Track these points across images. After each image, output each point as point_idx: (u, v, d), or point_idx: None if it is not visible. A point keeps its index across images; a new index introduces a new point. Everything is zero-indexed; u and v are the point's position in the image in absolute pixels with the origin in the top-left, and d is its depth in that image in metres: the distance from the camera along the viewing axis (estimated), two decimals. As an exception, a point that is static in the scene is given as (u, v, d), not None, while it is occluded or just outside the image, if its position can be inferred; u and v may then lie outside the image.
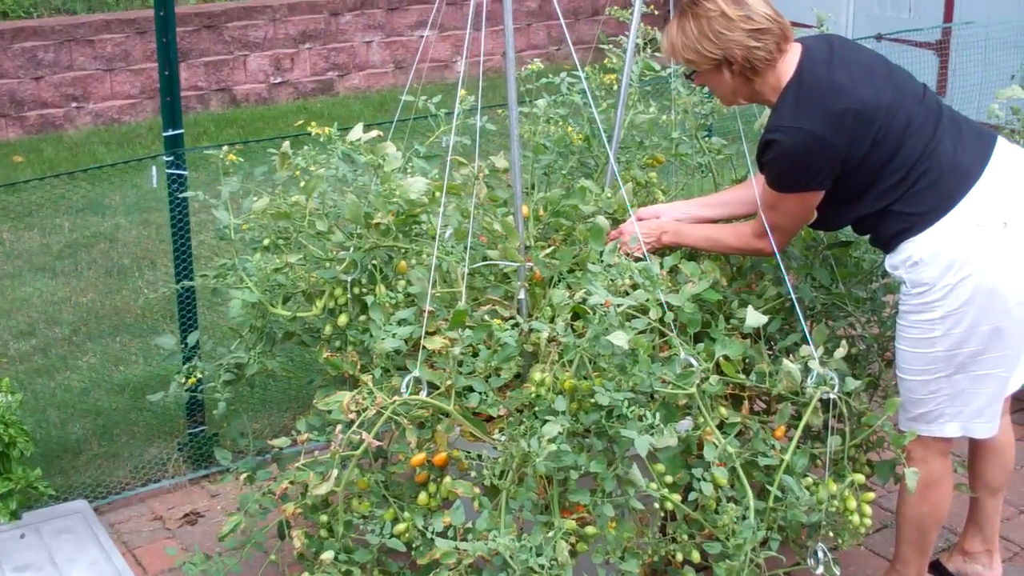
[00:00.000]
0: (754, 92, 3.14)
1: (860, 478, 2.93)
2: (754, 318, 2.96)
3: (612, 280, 2.88)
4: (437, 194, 3.22)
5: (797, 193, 3.08)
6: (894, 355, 3.20)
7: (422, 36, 10.23)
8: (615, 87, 3.84)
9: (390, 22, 10.11)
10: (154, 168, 4.12)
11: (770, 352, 3.30)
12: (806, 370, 2.90)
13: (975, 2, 8.44)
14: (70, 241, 6.33)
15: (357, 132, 3.29)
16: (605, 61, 3.97)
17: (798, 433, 2.89)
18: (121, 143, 8.28)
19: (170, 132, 3.97)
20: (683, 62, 3.16)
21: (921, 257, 3.02)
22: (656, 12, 3.88)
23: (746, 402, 3.14)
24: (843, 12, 9.39)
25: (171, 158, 3.97)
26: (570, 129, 3.83)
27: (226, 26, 9.29)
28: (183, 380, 3.43)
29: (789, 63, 3.08)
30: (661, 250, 3.33)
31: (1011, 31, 6.82)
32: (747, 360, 3.12)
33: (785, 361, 2.91)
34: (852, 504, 2.92)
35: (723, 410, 3.00)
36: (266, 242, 3.35)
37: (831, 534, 2.96)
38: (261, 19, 9.46)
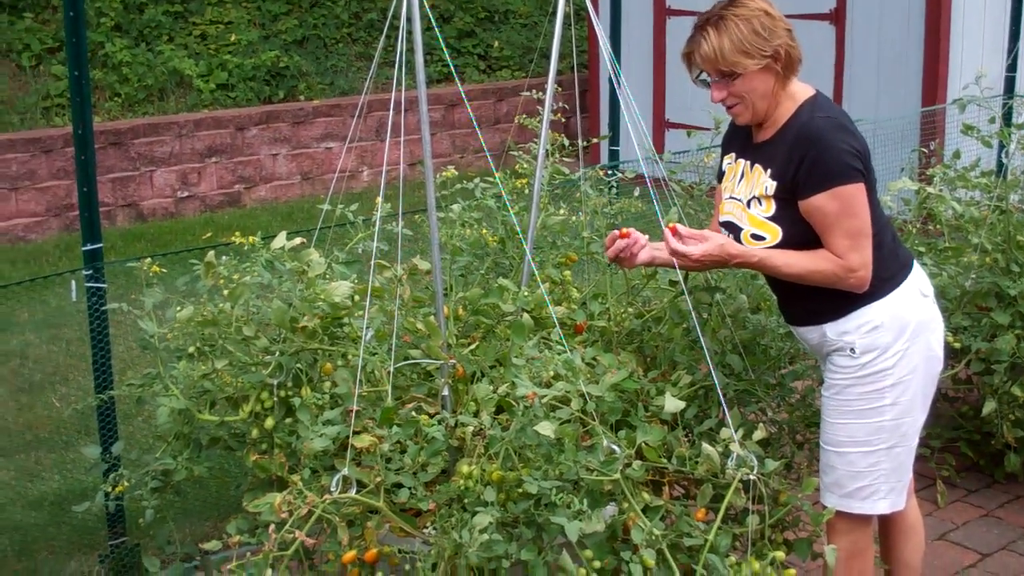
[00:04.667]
0: (778, 99, 3.15)
1: (780, 555, 3.01)
2: (672, 404, 3.06)
3: (536, 373, 2.97)
4: (357, 297, 3.30)
5: (858, 183, 3.06)
6: (827, 434, 3.27)
7: (328, 148, 10.37)
8: (526, 191, 3.97)
9: (296, 135, 10.23)
10: (73, 282, 4.15)
11: (687, 438, 3.40)
12: (725, 453, 3.00)
13: (865, 101, 8.80)
14: (-21, 360, 6.29)
15: (281, 240, 3.38)
16: (516, 166, 4.11)
17: (721, 513, 2.98)
18: (27, 261, 8.24)
19: (89, 247, 4.01)
20: (727, 67, 3.10)
21: (882, 321, 3.14)
22: (564, 120, 4.02)
23: (665, 488, 3.23)
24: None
25: (91, 272, 4.01)
26: (484, 231, 3.95)
27: (132, 142, 9.34)
28: (111, 489, 3.43)
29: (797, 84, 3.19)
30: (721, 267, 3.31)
31: (898, 127, 7.13)
32: (666, 446, 3.21)
33: (705, 445, 3.00)
34: (775, 582, 2.99)
35: (646, 495, 3.08)
36: (191, 350, 3.39)
37: (756, 613, 3.03)
38: (167, 135, 9.52)
